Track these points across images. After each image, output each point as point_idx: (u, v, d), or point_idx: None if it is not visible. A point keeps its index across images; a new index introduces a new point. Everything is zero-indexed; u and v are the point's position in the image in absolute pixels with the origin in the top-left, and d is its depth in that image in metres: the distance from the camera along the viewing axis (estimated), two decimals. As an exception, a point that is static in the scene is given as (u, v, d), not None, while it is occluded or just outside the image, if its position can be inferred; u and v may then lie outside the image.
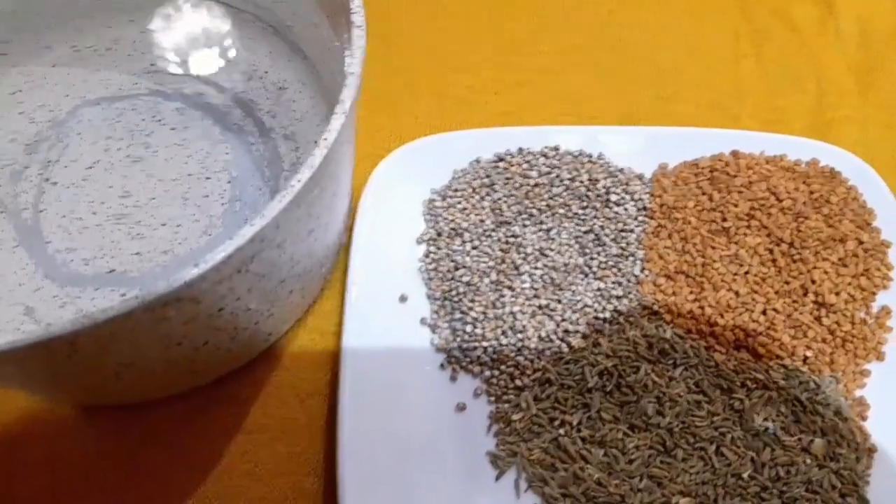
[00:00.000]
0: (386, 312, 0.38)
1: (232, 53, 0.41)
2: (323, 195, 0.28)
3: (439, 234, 0.40)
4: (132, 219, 0.37)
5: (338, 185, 0.31)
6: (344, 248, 0.40)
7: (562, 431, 0.35)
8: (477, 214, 0.41)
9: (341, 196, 0.33)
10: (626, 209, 0.41)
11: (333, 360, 0.37)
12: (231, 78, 0.40)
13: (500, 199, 0.41)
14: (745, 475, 0.34)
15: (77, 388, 0.31)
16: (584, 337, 0.38)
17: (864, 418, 0.36)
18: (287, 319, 0.35)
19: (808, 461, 0.35)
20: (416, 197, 0.41)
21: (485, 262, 0.39)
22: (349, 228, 0.40)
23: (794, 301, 0.39)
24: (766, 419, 0.35)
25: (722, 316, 0.38)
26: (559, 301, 0.39)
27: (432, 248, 0.40)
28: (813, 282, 0.39)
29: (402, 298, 0.39)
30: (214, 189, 0.38)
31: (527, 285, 0.39)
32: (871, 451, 0.35)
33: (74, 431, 0.36)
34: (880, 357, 0.38)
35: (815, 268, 0.39)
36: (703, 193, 0.42)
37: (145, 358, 0.28)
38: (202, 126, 0.40)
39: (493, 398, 0.36)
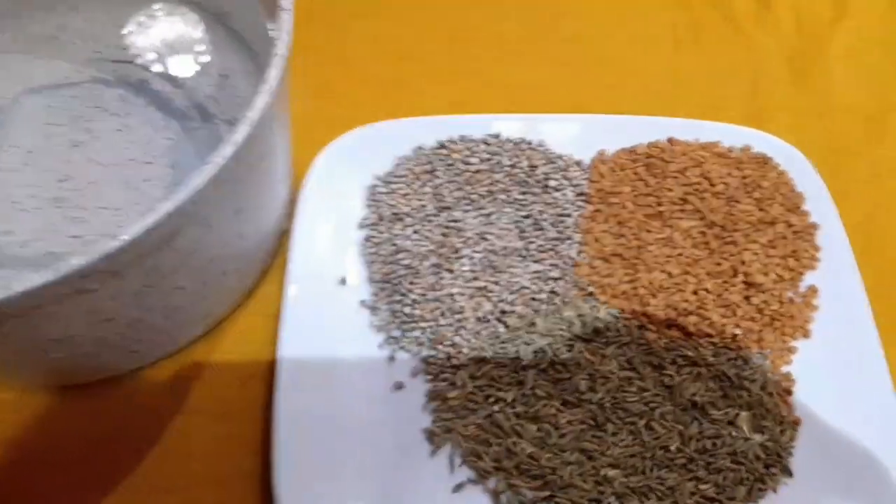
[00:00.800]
0: (326, 295, 0.39)
1: (175, 42, 0.41)
2: (251, 175, 0.29)
3: (381, 219, 0.41)
4: (71, 202, 0.37)
5: (269, 167, 0.31)
6: (286, 233, 0.40)
7: (496, 408, 0.36)
8: (419, 200, 0.42)
9: (275, 178, 0.34)
10: (564, 194, 0.42)
11: (274, 343, 0.38)
12: (174, 66, 0.41)
13: (441, 184, 0.42)
14: (672, 447, 0.35)
15: (9, 367, 0.31)
16: (521, 317, 0.38)
17: (789, 392, 0.37)
18: (225, 301, 0.36)
19: (735, 433, 0.36)
20: (358, 183, 0.42)
21: (425, 246, 0.40)
22: (291, 214, 0.40)
23: (725, 282, 0.40)
24: (694, 394, 0.36)
25: (655, 296, 0.39)
26: (497, 283, 0.39)
27: (373, 233, 0.41)
28: (743, 263, 0.40)
29: (343, 281, 0.39)
30: (156, 174, 0.38)
31: (466, 268, 0.40)
32: (796, 423, 0.36)
33: (8, 413, 0.36)
34: (807, 334, 0.39)
35: (745, 249, 0.41)
36: (640, 179, 0.43)
37: (73, 335, 0.28)
38: (145, 113, 0.40)
39: (430, 377, 0.37)
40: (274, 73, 0.28)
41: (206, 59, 0.41)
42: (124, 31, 0.41)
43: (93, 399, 0.36)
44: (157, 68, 0.41)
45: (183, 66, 0.41)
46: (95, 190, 0.38)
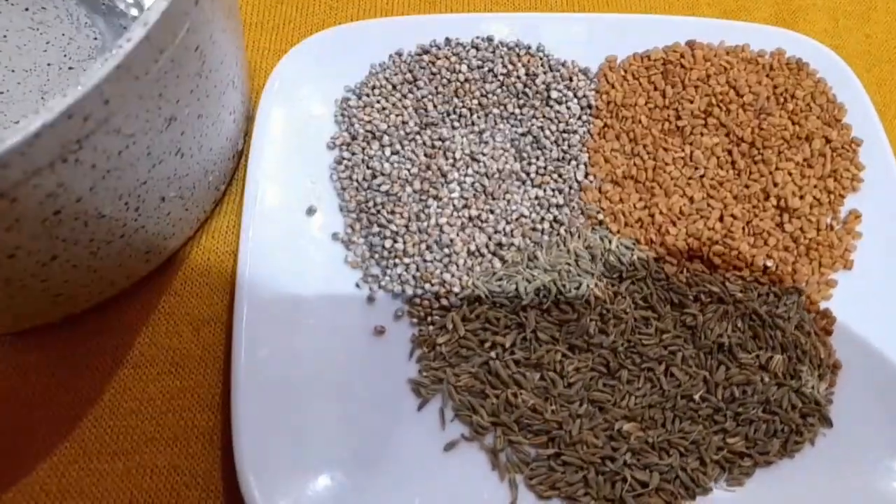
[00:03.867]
0: (291, 227, 0.33)
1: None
2: (178, 73, 0.23)
3: (354, 138, 0.35)
4: (-23, 116, 0.31)
5: (204, 64, 0.25)
6: (243, 155, 0.34)
7: (493, 354, 0.31)
8: (398, 115, 0.36)
9: (221, 83, 0.28)
10: (568, 108, 0.37)
11: (231, 284, 0.33)
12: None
13: (424, 97, 0.36)
14: (696, 396, 0.31)
15: None
16: (519, 250, 0.33)
17: (828, 332, 0.33)
18: (168, 235, 0.30)
19: (767, 379, 0.31)
20: (327, 96, 0.36)
21: (407, 169, 0.34)
22: (247, 132, 0.34)
23: (755, 206, 0.35)
24: (720, 335, 0.32)
25: (674, 224, 0.34)
26: (492, 211, 0.34)
27: (346, 154, 0.35)
28: (775, 184, 0.35)
29: (310, 211, 0.34)
30: (79, 83, 0.32)
31: (455, 195, 0.34)
32: (836, 367, 0.32)
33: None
34: (848, 265, 0.34)
35: (777, 169, 0.36)
36: (655, 89, 0.37)
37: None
38: (64, 7, 0.33)
39: (415, 320, 0.32)
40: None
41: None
42: None
43: (20, 352, 0.32)
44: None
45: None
46: (6, 101, 0.31)
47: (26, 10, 0.33)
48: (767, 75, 0.38)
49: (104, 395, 0.31)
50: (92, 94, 0.19)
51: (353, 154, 0.35)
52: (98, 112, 0.20)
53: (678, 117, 0.37)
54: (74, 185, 0.22)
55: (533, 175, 0.35)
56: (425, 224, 0.33)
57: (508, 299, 0.32)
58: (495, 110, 0.36)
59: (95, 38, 0.33)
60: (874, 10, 0.43)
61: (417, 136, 0.35)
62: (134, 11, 0.34)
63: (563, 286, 0.32)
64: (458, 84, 0.36)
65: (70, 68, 0.32)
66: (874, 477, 0.30)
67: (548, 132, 0.36)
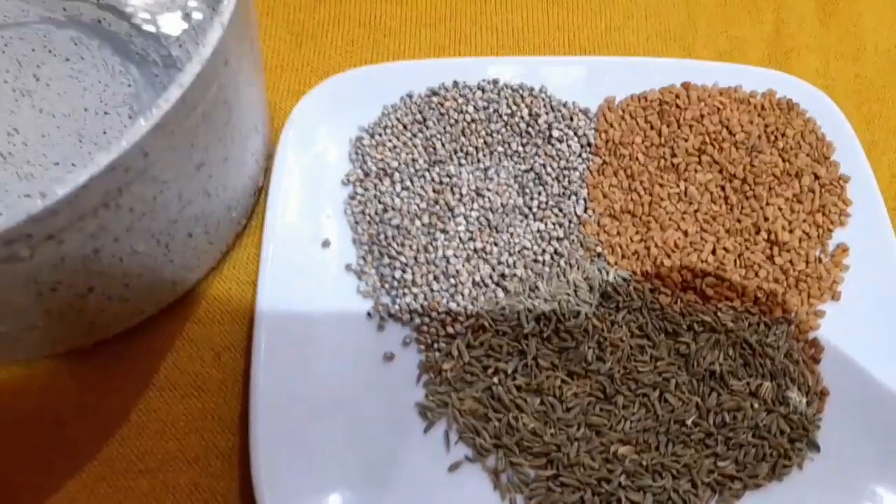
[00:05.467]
0: (307, 259, 0.35)
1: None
2: (208, 123, 0.25)
3: (367, 175, 0.37)
4: (21, 158, 0.33)
5: (234, 115, 0.27)
6: (262, 191, 0.37)
7: (495, 380, 0.33)
8: (408, 153, 0.38)
9: (245, 129, 0.30)
10: (569, 146, 0.39)
11: (251, 312, 0.35)
12: (132, 3, 0.36)
13: (433, 136, 0.38)
14: (689, 421, 0.32)
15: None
16: (522, 281, 0.35)
17: (816, 360, 0.34)
18: (194, 267, 0.32)
19: (756, 405, 0.33)
20: (342, 135, 0.38)
21: (416, 204, 0.37)
22: (267, 169, 0.37)
23: (746, 239, 0.37)
24: (712, 363, 0.33)
25: (669, 256, 0.36)
26: (496, 244, 0.36)
27: (359, 190, 0.37)
28: (766, 219, 0.37)
29: (325, 244, 0.36)
30: (114, 125, 0.34)
31: (461, 228, 0.36)
32: (824, 394, 0.33)
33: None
34: (835, 297, 0.36)
35: (768, 204, 0.37)
36: (652, 128, 0.39)
37: (12, 306, 0.25)
38: (100, 56, 0.36)
39: (423, 347, 0.34)
40: (227, 4, 0.24)
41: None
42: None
43: (53, 374, 0.34)
44: (112, 5, 0.37)
45: (142, 5, 0.36)
46: (46, 144, 0.34)
47: (67, 60, 0.36)
48: (759, 115, 0.40)
49: (131, 416, 0.33)
50: (133, 149, 0.21)
51: (366, 190, 0.37)
52: (138, 164, 0.22)
53: (673, 155, 0.38)
54: (113, 227, 0.24)
55: (535, 209, 0.37)
56: (433, 256, 0.35)
57: (511, 328, 0.34)
58: (500, 148, 0.38)
59: (129, 86, 0.35)
60: (864, 50, 0.45)
61: (426, 173, 0.37)
62: (156, 58, 0.36)
63: (563, 315, 0.34)
64: (465, 124, 0.39)
65: (105, 113, 0.34)
66: (860, 500, 0.31)
67: (549, 169, 0.38)
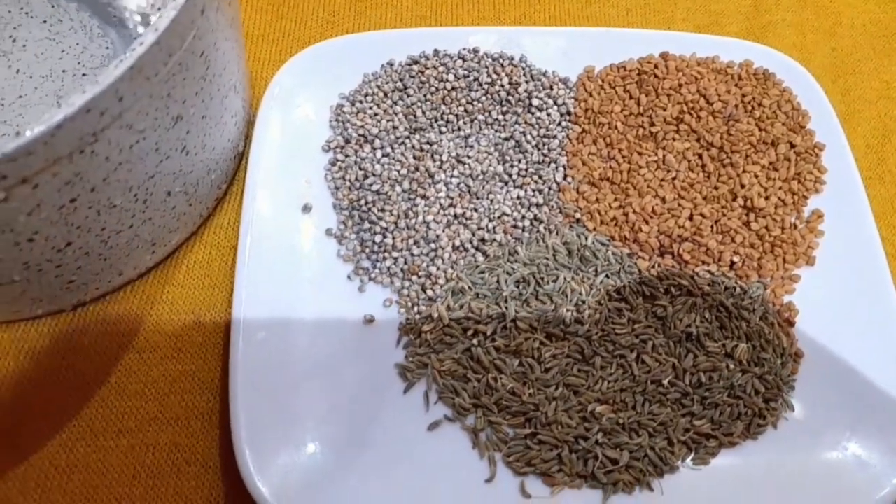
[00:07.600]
0: (287, 224, 0.35)
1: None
2: (185, 75, 0.25)
3: (347, 142, 0.38)
4: (-3, 120, 0.33)
5: (209, 69, 0.27)
6: (243, 157, 0.37)
7: (475, 342, 0.33)
8: (389, 120, 0.38)
9: (223, 87, 0.30)
10: (548, 114, 0.39)
11: (231, 276, 0.35)
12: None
13: (414, 104, 0.39)
14: (665, 382, 0.33)
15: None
16: (501, 245, 0.35)
17: (791, 323, 0.35)
18: (174, 228, 0.32)
19: (732, 366, 0.33)
20: (322, 102, 0.38)
21: (397, 170, 0.37)
22: (248, 136, 0.37)
23: (723, 206, 0.37)
24: (689, 325, 0.34)
25: (647, 222, 0.36)
26: (476, 210, 0.36)
27: (339, 156, 0.37)
28: (742, 186, 0.37)
29: (306, 209, 0.36)
30: (93, 89, 0.34)
31: (442, 194, 0.36)
32: (798, 355, 0.34)
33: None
34: (810, 262, 0.36)
35: (744, 171, 0.38)
36: (631, 97, 0.40)
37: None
38: (78, 19, 0.36)
39: (403, 310, 0.34)
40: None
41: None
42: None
43: (33, 338, 0.34)
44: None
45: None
46: (24, 105, 0.34)
47: (44, 21, 0.36)
48: (736, 85, 0.40)
49: (111, 378, 0.33)
50: (108, 91, 0.21)
51: (347, 156, 0.37)
52: (113, 108, 0.22)
53: (651, 123, 0.39)
54: (89, 175, 0.24)
55: (515, 176, 0.37)
56: (413, 221, 0.36)
57: (490, 291, 0.34)
58: (480, 116, 0.39)
59: (107, 48, 0.35)
60: (840, 24, 0.45)
61: (407, 140, 0.38)
62: (141, 29, 0.36)
63: (542, 279, 0.34)
64: (446, 92, 0.39)
65: (84, 75, 0.34)
66: (831, 457, 0.31)
67: (529, 137, 0.38)
